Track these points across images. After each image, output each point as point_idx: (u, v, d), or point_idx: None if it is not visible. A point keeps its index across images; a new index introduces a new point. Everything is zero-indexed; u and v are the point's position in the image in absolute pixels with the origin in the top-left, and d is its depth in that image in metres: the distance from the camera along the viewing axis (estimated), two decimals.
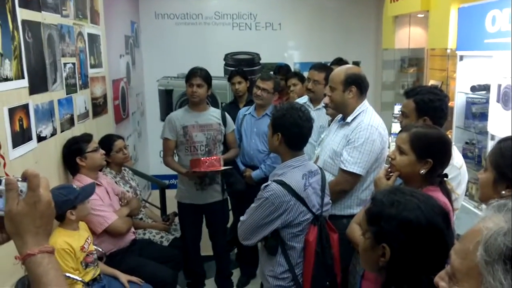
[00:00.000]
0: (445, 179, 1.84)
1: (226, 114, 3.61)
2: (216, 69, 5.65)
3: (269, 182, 2.07)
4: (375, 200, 1.30)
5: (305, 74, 4.29)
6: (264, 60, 5.86)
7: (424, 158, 1.78)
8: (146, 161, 5.46)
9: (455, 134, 3.81)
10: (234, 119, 3.87)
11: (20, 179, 0.92)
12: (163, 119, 3.70)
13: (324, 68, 3.51)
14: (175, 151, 3.48)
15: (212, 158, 3.30)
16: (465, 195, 3.13)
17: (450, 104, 2.86)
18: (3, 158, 2.01)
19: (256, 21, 5.85)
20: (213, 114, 3.49)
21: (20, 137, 2.20)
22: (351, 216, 2.25)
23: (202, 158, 3.27)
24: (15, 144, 2.14)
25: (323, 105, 3.11)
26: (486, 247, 0.76)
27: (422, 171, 1.78)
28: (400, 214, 1.22)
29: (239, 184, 3.58)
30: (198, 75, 3.33)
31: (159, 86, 5.77)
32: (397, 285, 1.19)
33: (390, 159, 1.91)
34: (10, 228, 0.92)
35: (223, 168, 3.34)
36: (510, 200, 0.83)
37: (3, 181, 0.92)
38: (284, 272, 2.11)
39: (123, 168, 3.42)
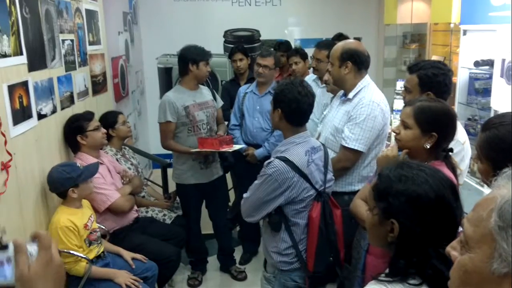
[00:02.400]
0: (449, 153, 1.83)
1: (213, 90, 3.61)
2: (216, 46, 5.58)
3: (272, 158, 2.06)
4: (382, 175, 1.28)
5: (307, 50, 4.25)
6: (264, 36, 5.79)
7: (429, 132, 1.76)
8: (146, 140, 5.45)
9: (458, 110, 3.79)
10: (234, 97, 3.84)
11: (28, 241, 0.86)
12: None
13: (327, 46, 3.43)
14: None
15: (226, 137, 3.28)
16: (468, 171, 3.13)
17: (453, 79, 2.83)
18: (4, 136, 1.99)
19: None
20: (205, 92, 3.46)
21: (20, 114, 2.18)
22: (353, 193, 2.25)
23: (217, 138, 3.24)
24: (16, 122, 2.12)
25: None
26: (500, 213, 0.76)
27: (426, 145, 1.77)
28: (408, 189, 1.20)
29: (230, 157, 3.59)
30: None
31: (158, 64, 5.72)
32: (406, 259, 1.18)
33: (394, 134, 1.89)
34: None
35: (236, 147, 3.36)
36: None
37: (10, 245, 0.85)
38: (287, 248, 2.11)
39: (123, 146, 3.41)
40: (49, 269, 0.87)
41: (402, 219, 1.20)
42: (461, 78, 3.78)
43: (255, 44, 5.73)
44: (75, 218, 2.40)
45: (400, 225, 1.20)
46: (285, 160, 2.00)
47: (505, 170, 0.87)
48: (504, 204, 0.77)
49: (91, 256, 2.46)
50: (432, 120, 1.77)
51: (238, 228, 4.29)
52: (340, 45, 2.57)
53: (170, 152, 3.48)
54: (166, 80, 5.69)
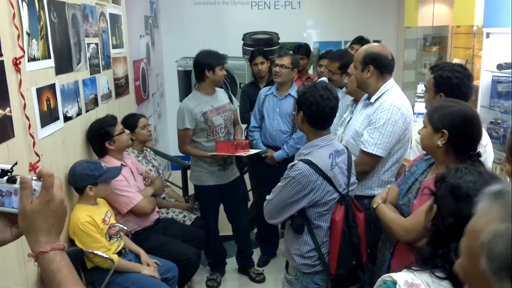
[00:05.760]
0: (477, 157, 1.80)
1: (229, 92, 3.64)
2: (235, 49, 5.63)
3: (295, 161, 2.06)
4: (452, 168, 1.43)
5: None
6: (283, 39, 5.80)
7: (440, 129, 1.77)
8: (166, 141, 5.50)
9: (480, 114, 3.73)
10: (254, 100, 3.86)
11: (34, 178, 0.95)
12: (182, 100, 3.68)
13: (339, 57, 3.39)
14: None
15: (243, 141, 3.33)
16: None
17: (475, 83, 2.79)
18: (33, 137, 2.04)
19: None
20: (222, 95, 3.48)
21: (48, 116, 2.23)
22: (372, 197, 2.23)
23: (234, 142, 3.29)
24: (43, 124, 2.17)
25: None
26: (489, 256, 0.65)
27: (438, 143, 1.78)
28: (455, 181, 1.33)
29: (245, 158, 3.62)
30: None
31: (178, 67, 5.77)
32: (432, 249, 1.26)
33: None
34: (23, 225, 0.94)
35: (252, 151, 3.38)
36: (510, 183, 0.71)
37: (18, 179, 0.94)
38: (310, 251, 2.12)
39: (144, 148, 3.46)
40: (50, 207, 0.93)
41: (442, 205, 1.32)
42: (483, 81, 3.73)
43: (274, 47, 5.74)
44: (93, 214, 2.46)
45: (438, 211, 1.32)
46: (309, 163, 2.01)
47: (489, 187, 0.73)
48: (489, 244, 0.65)
49: (112, 250, 2.51)
50: (441, 117, 1.79)
51: (255, 230, 4.30)
52: (363, 48, 2.56)
53: None
54: (186, 83, 5.74)
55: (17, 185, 0.95)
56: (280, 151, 3.61)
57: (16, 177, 0.96)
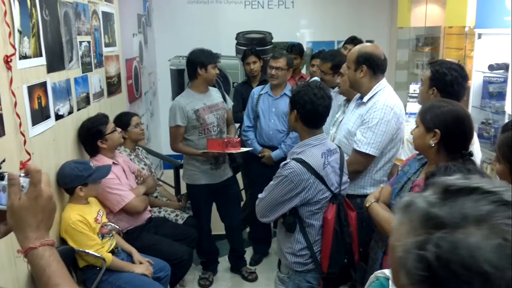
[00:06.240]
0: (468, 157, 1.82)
1: (223, 91, 3.65)
2: (228, 48, 5.62)
3: (288, 160, 2.07)
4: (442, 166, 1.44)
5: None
6: (276, 39, 5.80)
7: (432, 129, 1.78)
8: (158, 140, 5.49)
9: (471, 114, 3.75)
10: (247, 99, 3.86)
11: (22, 174, 0.95)
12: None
13: (331, 57, 3.41)
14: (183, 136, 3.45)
15: (234, 139, 3.34)
16: None
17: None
18: (23, 136, 2.03)
19: None
20: (215, 94, 3.49)
21: (39, 115, 2.22)
22: (365, 196, 2.25)
23: (225, 140, 3.30)
24: (34, 122, 2.16)
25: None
26: (404, 271, 0.63)
27: (431, 143, 1.79)
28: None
29: (239, 158, 3.62)
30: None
31: (170, 66, 5.76)
32: None
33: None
34: (12, 222, 0.94)
35: (243, 149, 3.38)
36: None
37: (6, 176, 0.94)
38: (302, 249, 2.13)
39: (136, 147, 3.44)
40: (38, 203, 0.93)
41: None
42: (475, 82, 3.76)
43: (267, 47, 5.75)
44: (84, 213, 2.45)
45: None
46: (301, 162, 2.01)
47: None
48: (401, 259, 0.63)
49: (105, 249, 2.50)
50: (433, 116, 1.79)
51: (248, 229, 4.30)
52: (356, 48, 2.58)
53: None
54: (178, 82, 5.72)
55: (5, 182, 0.94)
56: (278, 150, 3.61)
57: (4, 174, 0.95)
